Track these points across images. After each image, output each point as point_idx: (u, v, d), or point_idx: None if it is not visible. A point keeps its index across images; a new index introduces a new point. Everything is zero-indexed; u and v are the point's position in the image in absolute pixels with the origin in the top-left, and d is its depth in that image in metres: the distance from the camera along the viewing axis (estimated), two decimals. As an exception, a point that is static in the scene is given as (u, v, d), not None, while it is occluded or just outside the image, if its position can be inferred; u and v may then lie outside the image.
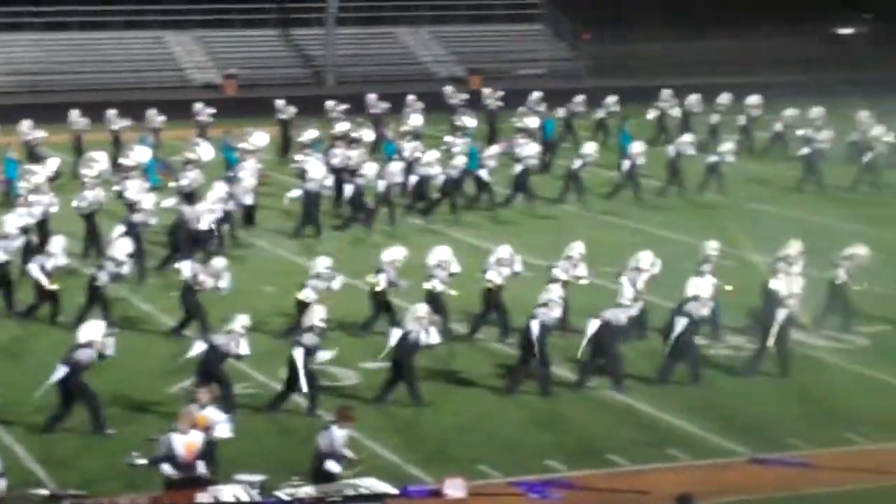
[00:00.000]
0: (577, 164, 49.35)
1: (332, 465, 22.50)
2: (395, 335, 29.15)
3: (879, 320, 34.70)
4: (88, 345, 26.85)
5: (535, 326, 29.67)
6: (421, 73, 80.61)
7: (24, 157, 48.07)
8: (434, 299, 32.57)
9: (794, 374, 30.89)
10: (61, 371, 26.63)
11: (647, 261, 33.15)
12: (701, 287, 30.85)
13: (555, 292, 30.49)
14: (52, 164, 45.52)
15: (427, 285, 33.28)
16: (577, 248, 34.33)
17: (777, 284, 31.15)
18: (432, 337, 29.28)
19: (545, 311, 29.95)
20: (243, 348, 28.21)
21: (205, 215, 39.41)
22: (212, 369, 27.78)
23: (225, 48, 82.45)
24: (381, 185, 45.04)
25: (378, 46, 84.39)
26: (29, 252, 35.95)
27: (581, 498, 24.29)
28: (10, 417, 27.97)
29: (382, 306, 33.63)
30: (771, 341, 30.74)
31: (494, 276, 33.61)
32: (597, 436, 27.36)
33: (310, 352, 28.22)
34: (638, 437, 27.24)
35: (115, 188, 41.83)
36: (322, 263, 33.44)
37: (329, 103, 57.25)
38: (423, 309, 29.68)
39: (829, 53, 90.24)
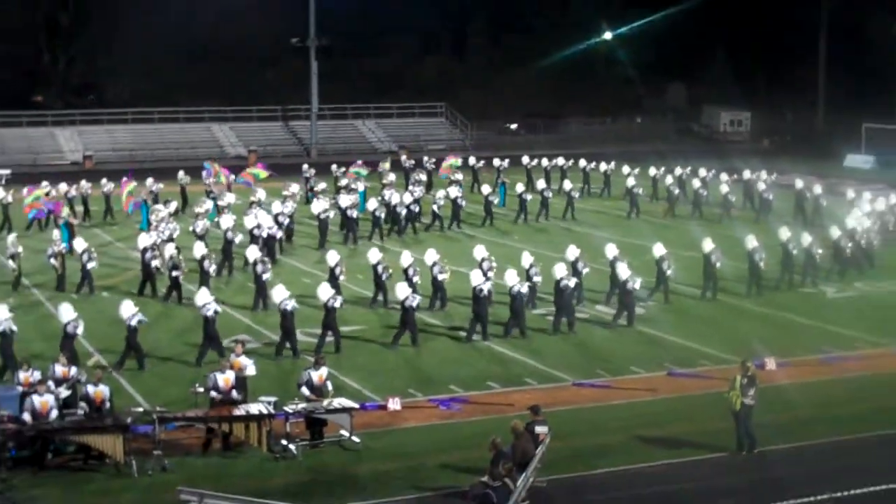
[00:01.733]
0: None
1: (304, 390, 22.55)
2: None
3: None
4: (69, 322, 25.99)
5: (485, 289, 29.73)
6: (370, 148, 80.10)
7: (150, 201, 47.54)
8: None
9: (604, 331, 30.77)
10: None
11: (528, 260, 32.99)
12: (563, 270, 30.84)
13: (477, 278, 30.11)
14: (172, 205, 45.60)
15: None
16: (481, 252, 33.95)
17: (622, 271, 31.17)
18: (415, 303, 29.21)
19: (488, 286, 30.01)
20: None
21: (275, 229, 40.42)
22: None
23: (248, 133, 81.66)
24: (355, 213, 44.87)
25: (343, 132, 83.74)
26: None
27: (472, 408, 24.40)
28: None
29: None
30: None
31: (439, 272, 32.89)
32: (481, 370, 27.19)
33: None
34: (506, 371, 27.17)
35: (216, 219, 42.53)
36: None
37: (333, 167, 56.58)
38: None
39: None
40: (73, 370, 22.77)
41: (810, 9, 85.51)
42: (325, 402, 22.26)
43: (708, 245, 34.36)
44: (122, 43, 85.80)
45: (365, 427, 22.49)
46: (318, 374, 22.62)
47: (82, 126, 79.56)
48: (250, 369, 23.23)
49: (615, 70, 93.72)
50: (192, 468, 20.83)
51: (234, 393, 22.16)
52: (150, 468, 20.53)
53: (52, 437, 20.93)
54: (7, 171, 64.05)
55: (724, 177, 53.06)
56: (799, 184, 49.41)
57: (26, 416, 20.79)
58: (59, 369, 22.59)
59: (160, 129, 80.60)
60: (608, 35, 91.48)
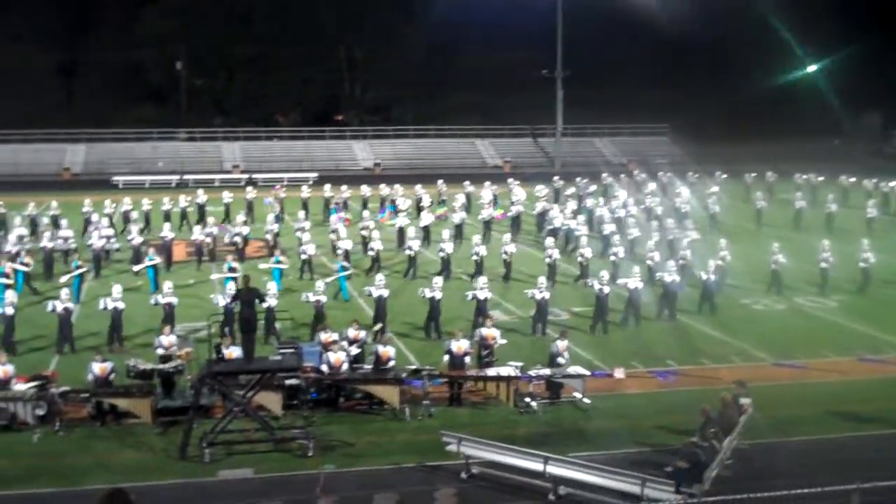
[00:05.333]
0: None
1: (560, 360, 22.45)
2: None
3: (841, 293, 32.59)
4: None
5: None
6: (603, 161, 78.80)
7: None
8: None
9: (796, 320, 29.45)
10: None
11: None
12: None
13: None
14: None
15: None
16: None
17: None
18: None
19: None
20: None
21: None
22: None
23: (504, 147, 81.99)
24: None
25: (582, 147, 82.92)
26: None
27: (685, 380, 23.85)
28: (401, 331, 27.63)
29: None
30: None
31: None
32: (694, 348, 26.55)
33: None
34: (716, 349, 26.39)
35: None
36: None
37: (577, 179, 53.06)
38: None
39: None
40: (363, 333, 23.46)
41: None
42: (564, 369, 22.23)
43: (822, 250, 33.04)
44: (406, 73, 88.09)
45: (594, 391, 22.21)
46: (562, 344, 22.64)
47: (373, 140, 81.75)
48: (499, 339, 23.32)
49: (817, 97, 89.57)
50: (453, 416, 21.08)
51: (467, 359, 22.18)
52: (420, 414, 20.90)
53: (343, 386, 21.63)
54: (314, 175, 66.87)
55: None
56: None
57: (324, 368, 21.60)
58: (352, 332, 23.26)
59: (435, 143, 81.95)
60: (812, 67, 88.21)
